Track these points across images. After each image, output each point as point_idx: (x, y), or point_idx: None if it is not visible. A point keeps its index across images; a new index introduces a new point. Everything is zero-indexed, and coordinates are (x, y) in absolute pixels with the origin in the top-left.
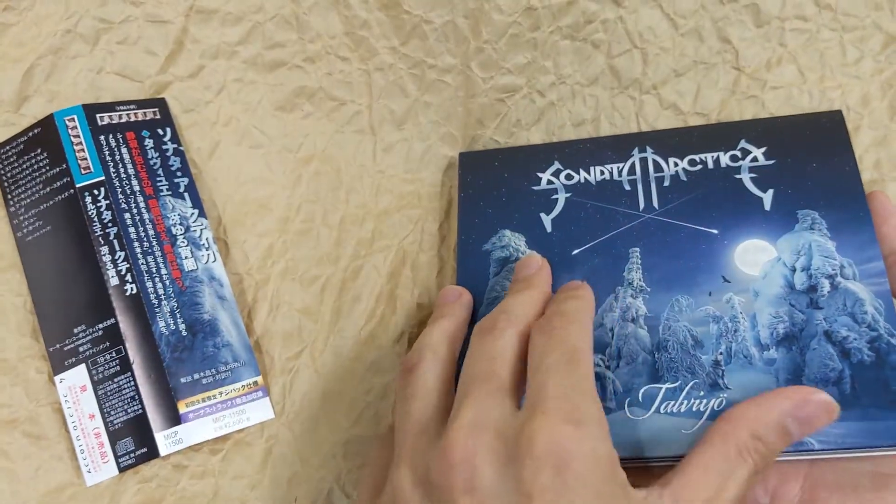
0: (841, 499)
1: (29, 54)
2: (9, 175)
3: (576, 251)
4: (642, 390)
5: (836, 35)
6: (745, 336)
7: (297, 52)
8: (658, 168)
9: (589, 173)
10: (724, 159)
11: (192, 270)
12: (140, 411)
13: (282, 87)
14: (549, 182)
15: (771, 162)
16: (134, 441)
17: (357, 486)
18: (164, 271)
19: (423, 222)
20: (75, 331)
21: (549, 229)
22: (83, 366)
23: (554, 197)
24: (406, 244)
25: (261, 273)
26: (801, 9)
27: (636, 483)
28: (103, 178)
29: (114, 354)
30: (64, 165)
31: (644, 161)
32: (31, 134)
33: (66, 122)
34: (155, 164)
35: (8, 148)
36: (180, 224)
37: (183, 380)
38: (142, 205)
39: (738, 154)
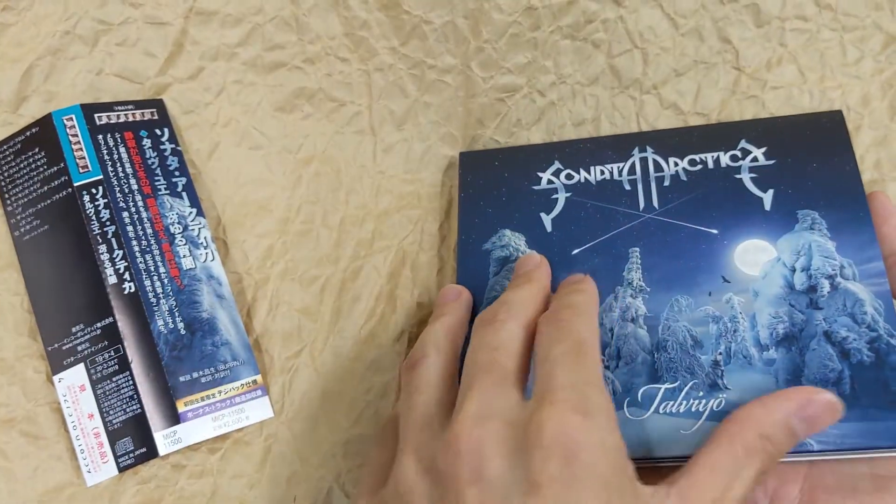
0: (840, 501)
1: (28, 55)
2: (6, 174)
3: (576, 251)
4: (641, 390)
5: (836, 35)
6: (744, 336)
7: (297, 54)
8: (658, 168)
9: (589, 173)
10: (725, 159)
11: (190, 269)
12: (139, 411)
13: (281, 88)
14: (550, 182)
15: (771, 162)
16: (133, 441)
17: (356, 484)
18: (162, 270)
19: (423, 222)
20: (73, 330)
21: (549, 229)
22: (82, 365)
23: (554, 196)
24: (406, 244)
25: (260, 273)
26: (802, 9)
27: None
28: (101, 177)
29: (112, 353)
30: (62, 164)
31: (644, 161)
32: (28, 133)
33: (65, 121)
34: (153, 163)
35: (5, 147)
36: (178, 223)
37: (182, 379)
38: (140, 204)
39: (739, 154)
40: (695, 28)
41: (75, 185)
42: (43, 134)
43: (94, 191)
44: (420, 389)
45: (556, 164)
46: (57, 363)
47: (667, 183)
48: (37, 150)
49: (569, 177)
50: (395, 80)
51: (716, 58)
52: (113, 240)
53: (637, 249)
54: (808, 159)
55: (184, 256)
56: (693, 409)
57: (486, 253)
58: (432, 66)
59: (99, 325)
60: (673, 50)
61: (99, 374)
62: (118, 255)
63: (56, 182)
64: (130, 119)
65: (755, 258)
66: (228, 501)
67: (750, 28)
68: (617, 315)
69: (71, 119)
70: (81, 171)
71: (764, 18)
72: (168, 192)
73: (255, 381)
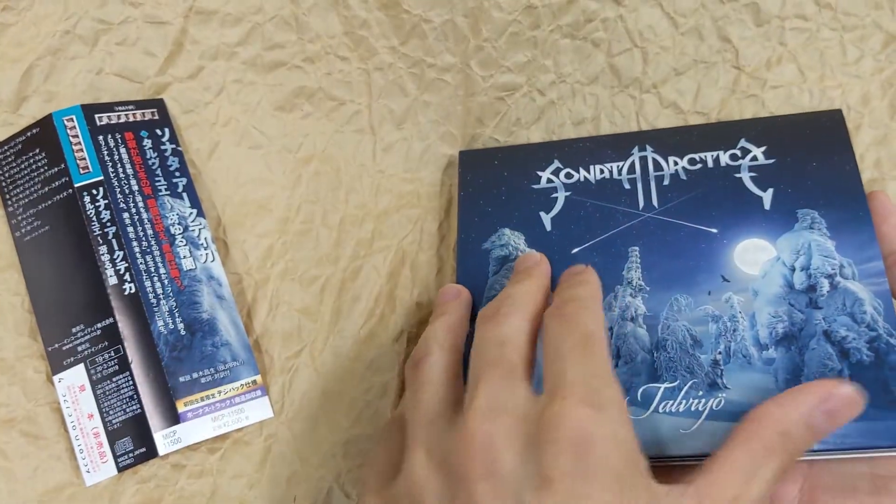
0: (840, 500)
1: (28, 55)
2: (7, 175)
3: (575, 250)
4: (641, 390)
5: (836, 34)
6: (744, 336)
7: (297, 53)
8: (658, 167)
9: (589, 172)
10: (724, 158)
11: (190, 270)
12: (139, 411)
13: (281, 87)
14: (549, 181)
15: (771, 161)
16: (133, 441)
17: (356, 484)
18: (162, 271)
19: (423, 222)
20: (74, 330)
21: (548, 228)
22: (82, 365)
23: (553, 195)
24: (405, 244)
25: (260, 273)
26: (801, 8)
27: None
28: (102, 177)
29: (112, 354)
30: (62, 165)
31: (644, 160)
32: (29, 134)
33: (65, 121)
34: (153, 164)
35: (6, 148)
36: (179, 224)
37: (181, 379)
38: (140, 204)
39: (738, 153)
40: (694, 27)
41: (76, 186)
42: (43, 134)
43: (94, 192)
44: (426, 387)
45: (556, 163)
46: (57, 363)
47: (666, 182)
48: (37, 150)
49: (568, 176)
50: (395, 79)
51: (715, 57)
52: (113, 241)
53: (636, 248)
54: (808, 158)
55: (184, 257)
56: (692, 409)
57: (486, 252)
58: (432, 65)
59: (99, 325)
60: (673, 49)
61: (99, 375)
62: (119, 255)
63: (57, 183)
64: (131, 119)
65: (755, 257)
66: (228, 501)
67: (750, 27)
68: (616, 314)
69: (71, 119)
70: (82, 171)
71: (764, 17)
72: (168, 192)
73: (254, 382)
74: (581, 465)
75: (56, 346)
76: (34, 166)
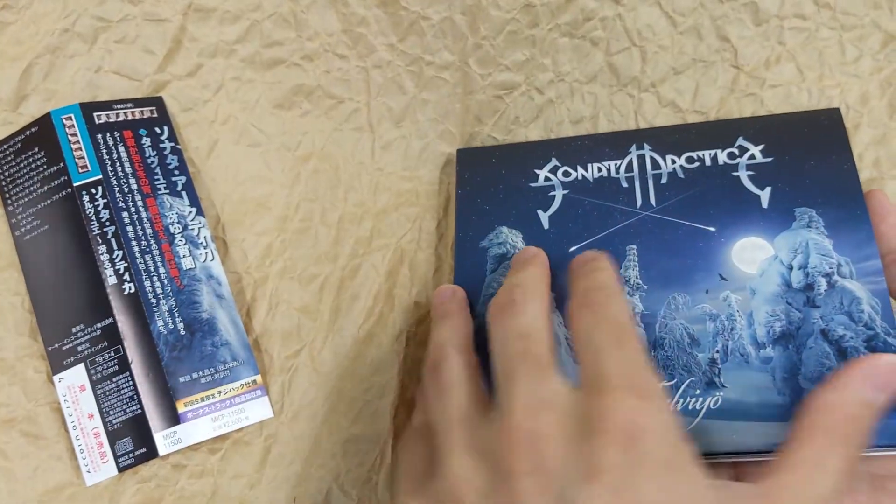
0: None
1: (27, 53)
2: (6, 174)
3: (573, 248)
4: None
5: (834, 34)
6: (741, 334)
7: (295, 50)
8: (655, 165)
9: (586, 170)
10: (722, 157)
11: (190, 269)
12: (139, 411)
13: (280, 85)
14: (547, 179)
15: (769, 159)
16: (133, 441)
17: (356, 484)
18: (162, 270)
19: (421, 220)
20: (74, 330)
21: (546, 226)
22: (82, 365)
23: (551, 194)
24: (404, 243)
25: (259, 272)
26: (800, 7)
27: None
28: (101, 176)
29: (112, 354)
30: (61, 164)
31: (641, 158)
32: (28, 133)
33: (64, 120)
34: (152, 162)
35: (5, 147)
36: (178, 223)
37: (181, 379)
38: (139, 203)
39: (736, 151)
40: (693, 26)
41: (75, 185)
42: (42, 133)
43: (93, 191)
44: (452, 389)
45: (554, 162)
46: (57, 363)
47: (664, 180)
48: (36, 149)
49: (566, 174)
50: (394, 77)
51: (714, 56)
52: (113, 240)
53: (634, 247)
54: (806, 157)
55: (183, 256)
56: (690, 408)
57: (484, 250)
58: (430, 63)
59: (99, 325)
60: (671, 48)
61: (99, 375)
62: (118, 255)
63: (56, 182)
64: (130, 117)
65: (752, 256)
66: (228, 501)
67: (748, 26)
68: None
69: (70, 118)
70: (81, 170)
71: (762, 17)
72: (168, 191)
73: (254, 382)
74: (630, 455)
75: (56, 345)
76: (33, 165)
